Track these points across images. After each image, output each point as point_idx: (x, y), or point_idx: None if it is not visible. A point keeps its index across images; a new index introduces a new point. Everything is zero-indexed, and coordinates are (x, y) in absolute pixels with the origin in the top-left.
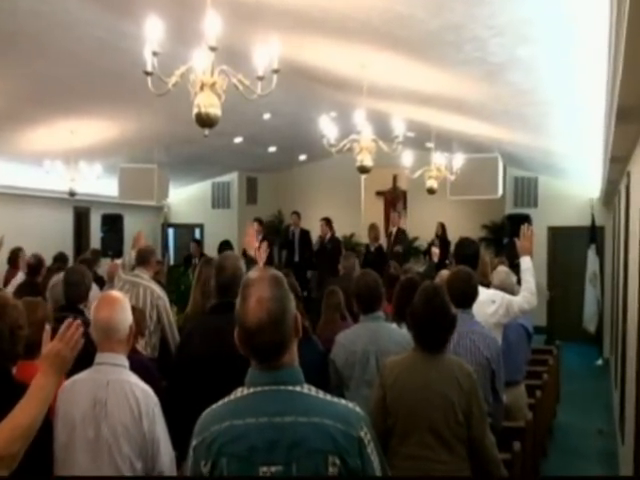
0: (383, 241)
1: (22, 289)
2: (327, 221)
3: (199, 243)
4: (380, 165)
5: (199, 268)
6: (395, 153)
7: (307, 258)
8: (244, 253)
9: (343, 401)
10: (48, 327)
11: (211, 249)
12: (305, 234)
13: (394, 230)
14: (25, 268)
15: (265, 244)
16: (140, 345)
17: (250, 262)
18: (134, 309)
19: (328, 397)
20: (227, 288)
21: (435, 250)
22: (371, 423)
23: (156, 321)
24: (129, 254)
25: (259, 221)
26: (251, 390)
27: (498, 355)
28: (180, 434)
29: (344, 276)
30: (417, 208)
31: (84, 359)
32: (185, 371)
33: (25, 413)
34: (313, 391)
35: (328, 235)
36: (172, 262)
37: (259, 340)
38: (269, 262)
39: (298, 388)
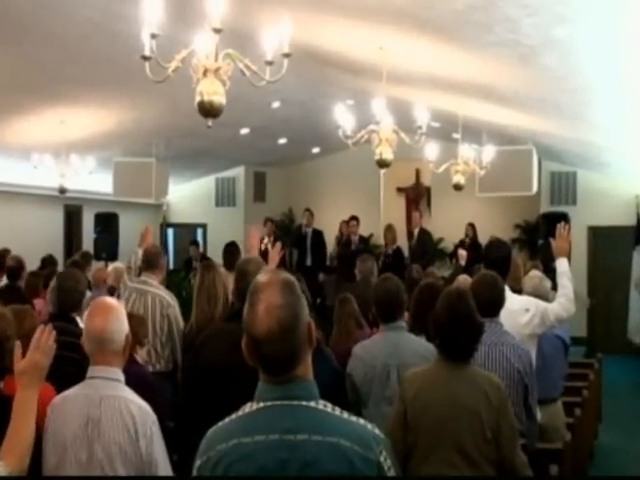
0: (404, 243)
1: (3, 294)
2: (357, 221)
3: (198, 245)
4: (401, 158)
5: (200, 273)
6: (418, 145)
7: (320, 260)
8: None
9: (361, 420)
10: (18, 342)
11: (215, 251)
12: (318, 234)
13: (416, 231)
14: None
15: (279, 245)
16: (141, 355)
17: None
18: (130, 316)
19: (345, 415)
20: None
21: (462, 252)
22: (390, 441)
23: (167, 332)
24: (135, 254)
25: (271, 221)
26: (261, 405)
27: (531, 368)
28: (190, 455)
29: (361, 281)
30: (442, 206)
31: (76, 373)
32: (199, 384)
33: (27, 427)
34: (329, 408)
35: (356, 237)
36: (172, 266)
37: (268, 351)
38: (282, 266)
39: (313, 404)
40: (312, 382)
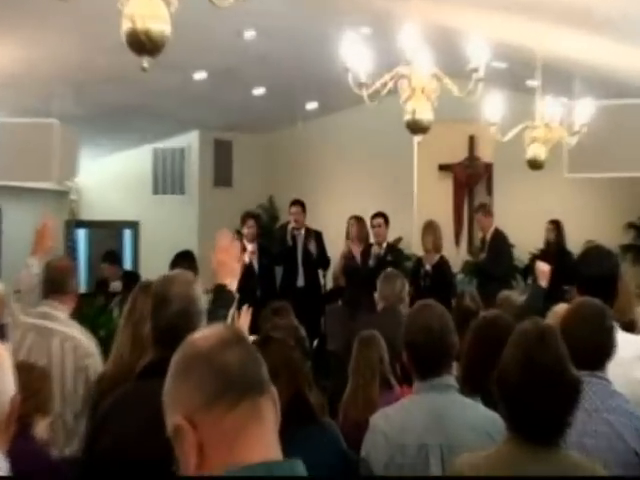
0: (450, 252)
1: None
2: (384, 218)
3: (116, 259)
4: (446, 119)
5: (132, 298)
6: (472, 99)
7: (319, 279)
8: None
9: None
10: None
11: (152, 265)
12: (315, 238)
13: (488, 236)
14: None
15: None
16: (41, 431)
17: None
18: (24, 368)
19: None
20: (172, 333)
21: (544, 268)
22: None
23: (85, 394)
24: (27, 268)
25: (253, 217)
26: None
27: None
28: None
29: (384, 313)
30: (510, 194)
31: None
32: None
33: None
34: None
35: (381, 246)
36: (82, 288)
37: None
38: (269, 291)
39: None
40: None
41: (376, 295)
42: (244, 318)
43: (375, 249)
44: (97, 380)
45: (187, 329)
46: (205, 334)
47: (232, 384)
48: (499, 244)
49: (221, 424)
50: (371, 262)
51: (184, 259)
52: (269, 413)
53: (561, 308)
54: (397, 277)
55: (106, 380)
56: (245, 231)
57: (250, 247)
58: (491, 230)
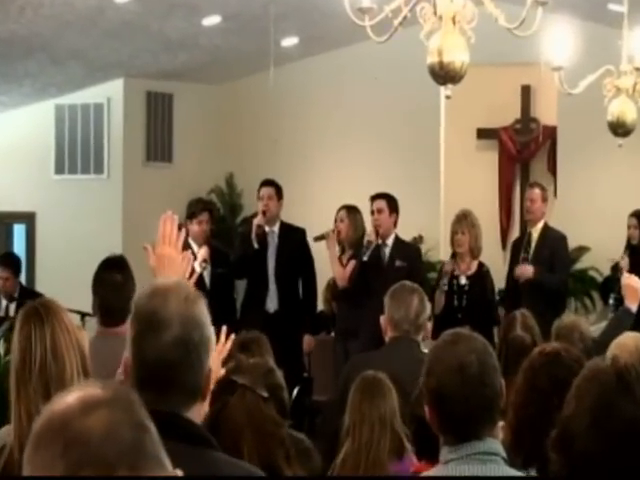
0: (495, 257)
1: None
2: (389, 202)
3: (11, 263)
4: (489, 63)
5: (19, 335)
6: (527, 32)
7: (302, 301)
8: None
9: None
10: None
11: (59, 276)
12: (296, 239)
13: (535, 232)
14: None
15: (202, 260)
16: None
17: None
18: None
19: None
20: (162, 373)
21: (634, 283)
22: None
23: None
24: None
25: (206, 207)
26: None
27: None
28: None
29: (394, 345)
30: (582, 172)
31: None
32: None
33: None
34: None
35: (390, 239)
36: None
37: None
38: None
39: None
40: None
41: (382, 319)
42: (215, 355)
43: (369, 236)
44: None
45: (185, 367)
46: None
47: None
48: (558, 247)
49: None
50: (365, 257)
51: (112, 267)
52: None
53: (629, 339)
54: (414, 293)
55: (16, 447)
56: (195, 228)
57: (202, 251)
58: (541, 223)
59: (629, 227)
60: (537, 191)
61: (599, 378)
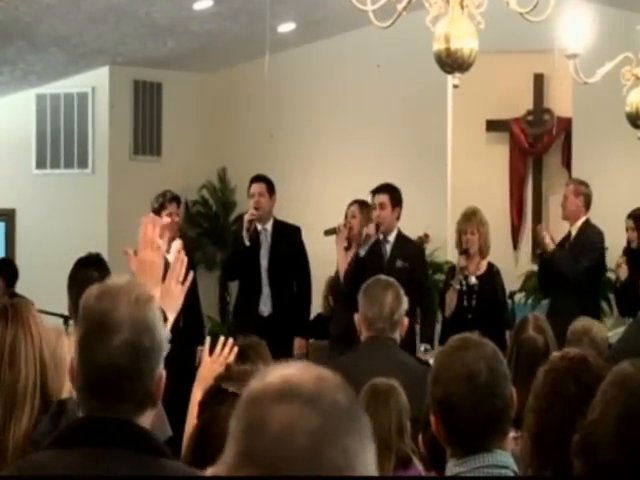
0: (506, 257)
1: None
2: (391, 196)
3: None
4: (500, 50)
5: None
6: (540, 17)
7: (298, 305)
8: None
9: None
10: None
11: (39, 276)
12: (292, 238)
13: (574, 229)
14: None
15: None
16: None
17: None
18: None
19: None
20: (110, 379)
21: None
22: None
23: None
24: None
25: (175, 200)
26: None
27: None
28: None
29: (369, 348)
30: (599, 167)
31: None
32: None
33: None
34: None
35: (392, 234)
36: None
37: None
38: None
39: None
40: None
41: (355, 317)
42: (209, 364)
43: (369, 229)
44: None
45: (135, 373)
46: None
47: None
48: (589, 239)
49: None
50: (362, 252)
51: (89, 268)
52: None
53: None
54: (388, 289)
55: None
56: (169, 226)
57: (176, 244)
58: (581, 221)
59: (627, 229)
60: (570, 187)
61: (626, 385)
